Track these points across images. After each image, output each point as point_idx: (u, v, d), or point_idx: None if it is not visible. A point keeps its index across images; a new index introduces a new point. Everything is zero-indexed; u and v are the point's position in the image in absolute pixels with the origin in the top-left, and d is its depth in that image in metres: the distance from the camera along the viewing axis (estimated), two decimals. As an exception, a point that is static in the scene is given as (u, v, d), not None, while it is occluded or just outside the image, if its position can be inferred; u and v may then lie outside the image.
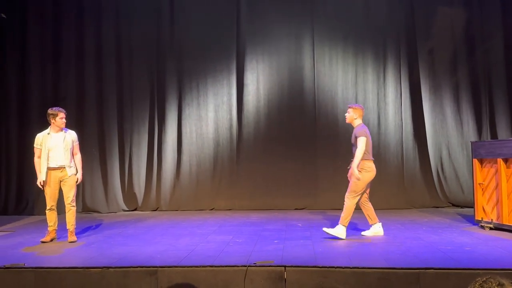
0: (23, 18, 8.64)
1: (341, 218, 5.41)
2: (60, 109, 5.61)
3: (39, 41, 8.62)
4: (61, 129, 5.61)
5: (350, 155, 8.33)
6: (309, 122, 8.53)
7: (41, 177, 5.51)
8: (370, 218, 5.64)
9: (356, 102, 8.52)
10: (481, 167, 6.03)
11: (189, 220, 7.32)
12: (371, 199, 8.18)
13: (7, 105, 8.60)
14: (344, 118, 8.43)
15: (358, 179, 5.34)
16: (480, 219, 5.98)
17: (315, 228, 6.26)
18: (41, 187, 5.55)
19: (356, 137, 5.45)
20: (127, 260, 4.44)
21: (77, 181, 5.66)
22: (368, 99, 8.51)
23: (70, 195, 5.55)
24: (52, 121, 5.55)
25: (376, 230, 5.62)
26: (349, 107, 5.67)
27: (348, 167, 5.55)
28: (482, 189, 5.99)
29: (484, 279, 1.71)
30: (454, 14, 8.34)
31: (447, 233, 5.72)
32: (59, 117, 5.54)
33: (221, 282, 3.98)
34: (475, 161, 6.08)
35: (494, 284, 1.67)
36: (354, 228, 6.26)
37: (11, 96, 8.60)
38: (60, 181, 5.56)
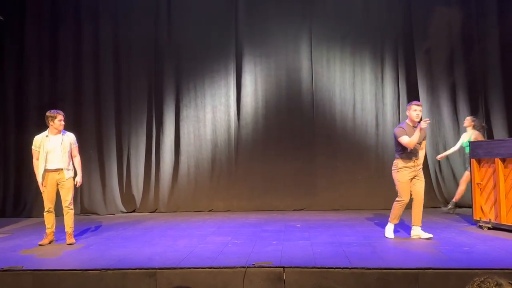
0: (21, 18, 8.62)
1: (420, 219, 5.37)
2: (59, 111, 5.60)
3: (37, 42, 8.61)
4: (60, 132, 5.60)
5: (350, 155, 8.42)
6: (307, 123, 8.53)
7: (40, 180, 5.51)
8: (397, 218, 5.51)
9: (354, 103, 8.54)
10: (479, 167, 6.05)
11: (187, 221, 7.32)
12: (370, 200, 8.25)
13: (4, 106, 8.58)
14: (342, 117, 8.56)
15: None
16: (478, 219, 5.99)
17: (314, 229, 6.26)
18: (42, 189, 5.55)
19: (424, 138, 5.42)
20: (126, 262, 4.44)
21: (77, 184, 5.65)
22: (366, 100, 8.52)
23: (67, 198, 5.54)
24: (51, 123, 5.54)
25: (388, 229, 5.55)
26: (421, 105, 5.42)
27: (418, 167, 5.39)
28: (480, 189, 6.00)
29: (482, 279, 1.72)
30: (451, 14, 8.36)
31: (446, 233, 5.73)
32: (58, 119, 5.53)
33: (220, 283, 3.98)
34: (473, 161, 6.09)
35: (492, 284, 1.67)
36: (354, 227, 6.27)
37: (9, 97, 8.58)
38: (58, 184, 5.55)
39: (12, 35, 8.63)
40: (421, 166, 5.39)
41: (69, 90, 8.55)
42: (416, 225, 5.40)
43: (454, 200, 7.46)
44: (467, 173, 7.13)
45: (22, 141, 8.08)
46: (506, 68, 8.28)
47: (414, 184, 5.35)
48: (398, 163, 5.38)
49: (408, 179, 5.33)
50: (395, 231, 5.62)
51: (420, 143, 5.36)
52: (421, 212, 5.37)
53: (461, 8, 8.42)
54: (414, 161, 5.32)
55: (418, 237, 5.35)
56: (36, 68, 8.59)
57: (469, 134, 7.23)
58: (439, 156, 7.65)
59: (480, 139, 6.96)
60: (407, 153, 5.31)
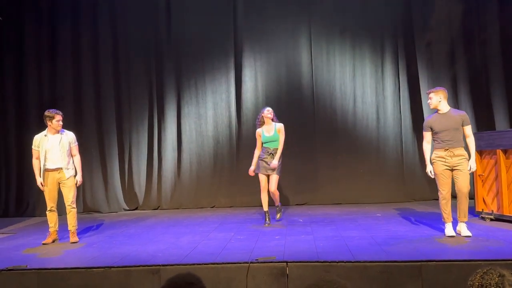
0: (20, 18, 8.61)
1: (466, 214, 5.01)
2: (57, 111, 5.59)
3: (36, 41, 8.60)
4: (58, 131, 5.60)
5: (351, 149, 8.41)
6: (308, 118, 8.52)
7: (39, 179, 5.53)
8: (447, 216, 5.09)
9: (355, 96, 8.51)
10: (481, 158, 6.04)
11: (190, 218, 7.33)
12: (372, 193, 8.25)
13: (4, 106, 8.58)
14: (343, 111, 8.55)
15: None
16: (481, 211, 5.99)
17: (316, 223, 6.27)
18: (42, 188, 5.58)
19: (463, 123, 4.97)
20: (129, 259, 4.46)
21: (77, 183, 5.66)
22: (366, 93, 8.50)
23: (69, 197, 5.55)
24: (49, 123, 5.54)
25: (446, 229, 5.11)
26: (430, 92, 5.09)
27: (456, 158, 4.94)
28: (482, 180, 6.00)
29: (485, 270, 1.72)
30: (451, 6, 8.32)
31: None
32: (56, 119, 5.52)
33: (223, 279, 3.99)
34: (475, 152, 6.07)
35: (494, 275, 1.68)
36: (356, 220, 6.27)
37: (9, 97, 8.59)
38: (59, 183, 5.56)
39: (11, 34, 8.62)
40: (463, 156, 4.92)
41: (69, 89, 8.55)
42: (461, 222, 5.02)
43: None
44: (262, 178, 6.21)
45: (23, 141, 8.08)
46: (507, 59, 8.23)
47: (456, 177, 4.94)
48: (432, 154, 5.06)
49: (443, 169, 4.93)
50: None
51: (457, 129, 4.95)
52: (466, 207, 4.95)
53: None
54: (448, 150, 4.92)
55: (460, 233, 5.00)
56: (35, 67, 8.58)
57: (272, 128, 6.21)
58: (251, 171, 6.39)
59: (283, 130, 6.21)
60: (438, 142, 5.00)
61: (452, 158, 4.93)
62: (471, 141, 5.05)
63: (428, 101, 5.18)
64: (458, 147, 4.95)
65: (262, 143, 6.24)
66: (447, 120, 4.98)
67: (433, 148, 5.13)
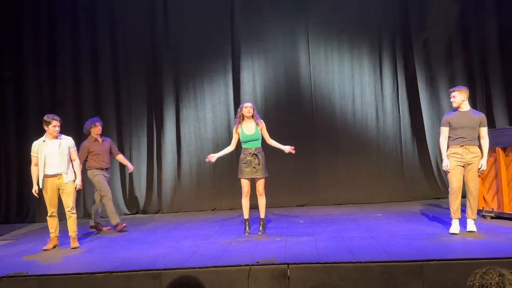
0: (19, 25, 8.63)
1: (474, 211, 5.12)
2: (55, 117, 5.57)
3: (35, 48, 8.62)
4: (56, 136, 5.59)
5: (351, 149, 8.39)
6: (307, 118, 8.52)
7: (35, 186, 5.52)
8: (455, 211, 5.15)
9: (353, 96, 8.52)
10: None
11: (191, 221, 7.32)
12: (373, 193, 8.24)
13: (5, 112, 8.59)
14: (342, 111, 8.54)
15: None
16: (481, 209, 5.99)
17: (317, 224, 6.27)
18: (36, 195, 5.56)
19: (481, 124, 5.06)
20: (130, 264, 4.45)
21: (76, 188, 5.65)
22: (365, 93, 8.50)
23: (69, 203, 5.54)
24: (46, 128, 5.55)
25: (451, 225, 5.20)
26: (454, 91, 5.16)
27: (471, 155, 5.03)
28: (482, 178, 5.99)
29: (484, 270, 1.72)
30: (448, 4, 8.33)
31: (449, 224, 5.70)
32: (52, 125, 5.51)
33: (224, 282, 3.99)
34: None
35: (494, 275, 1.67)
36: (357, 221, 6.27)
37: (9, 104, 8.60)
38: (59, 188, 5.56)
39: (10, 42, 8.63)
40: (477, 154, 5.02)
41: (68, 95, 8.56)
42: (468, 218, 5.13)
43: None
44: (245, 183, 5.68)
45: (23, 147, 8.05)
46: (505, 56, 8.24)
47: (466, 176, 5.07)
48: (447, 151, 5.14)
49: (456, 165, 5.02)
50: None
51: (475, 128, 5.04)
52: (473, 205, 5.09)
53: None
54: (463, 147, 5.01)
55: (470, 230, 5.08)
56: (35, 74, 8.60)
57: (253, 125, 5.70)
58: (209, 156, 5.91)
59: (265, 129, 5.77)
60: (455, 139, 5.07)
61: (468, 155, 5.03)
62: (485, 142, 5.15)
63: (451, 99, 5.24)
64: (473, 145, 5.06)
65: (241, 142, 5.69)
66: (466, 119, 5.09)
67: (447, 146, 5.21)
